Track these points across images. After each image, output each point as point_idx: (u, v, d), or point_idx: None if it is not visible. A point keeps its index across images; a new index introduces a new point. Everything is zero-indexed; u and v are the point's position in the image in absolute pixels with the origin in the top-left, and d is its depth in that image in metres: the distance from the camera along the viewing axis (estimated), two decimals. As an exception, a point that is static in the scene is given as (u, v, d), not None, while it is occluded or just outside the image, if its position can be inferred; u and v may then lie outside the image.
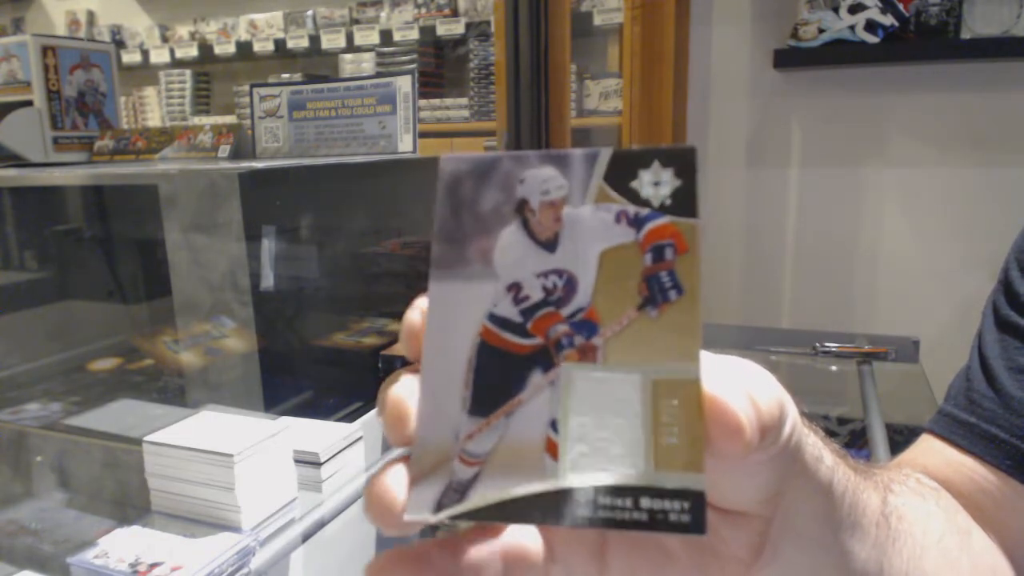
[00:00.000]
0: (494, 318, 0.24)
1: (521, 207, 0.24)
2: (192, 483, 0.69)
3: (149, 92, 3.61)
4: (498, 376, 0.24)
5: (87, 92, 1.31)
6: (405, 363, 0.25)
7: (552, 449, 0.23)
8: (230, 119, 3.37)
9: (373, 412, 1.00)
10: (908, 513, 0.37)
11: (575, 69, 2.51)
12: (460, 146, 2.67)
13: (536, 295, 0.24)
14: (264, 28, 3.26)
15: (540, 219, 0.24)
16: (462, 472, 0.23)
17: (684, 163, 0.23)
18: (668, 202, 0.23)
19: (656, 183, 0.23)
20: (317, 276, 0.96)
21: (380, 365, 1.03)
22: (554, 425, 0.23)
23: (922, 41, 2.01)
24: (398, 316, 1.14)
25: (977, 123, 2.07)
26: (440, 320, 0.24)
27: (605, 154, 0.24)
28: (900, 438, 1.06)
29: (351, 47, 3.10)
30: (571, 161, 0.24)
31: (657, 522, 0.22)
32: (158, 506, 0.72)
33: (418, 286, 0.25)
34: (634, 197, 0.23)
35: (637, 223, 0.23)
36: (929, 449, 0.51)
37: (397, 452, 0.24)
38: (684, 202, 0.23)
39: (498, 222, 0.24)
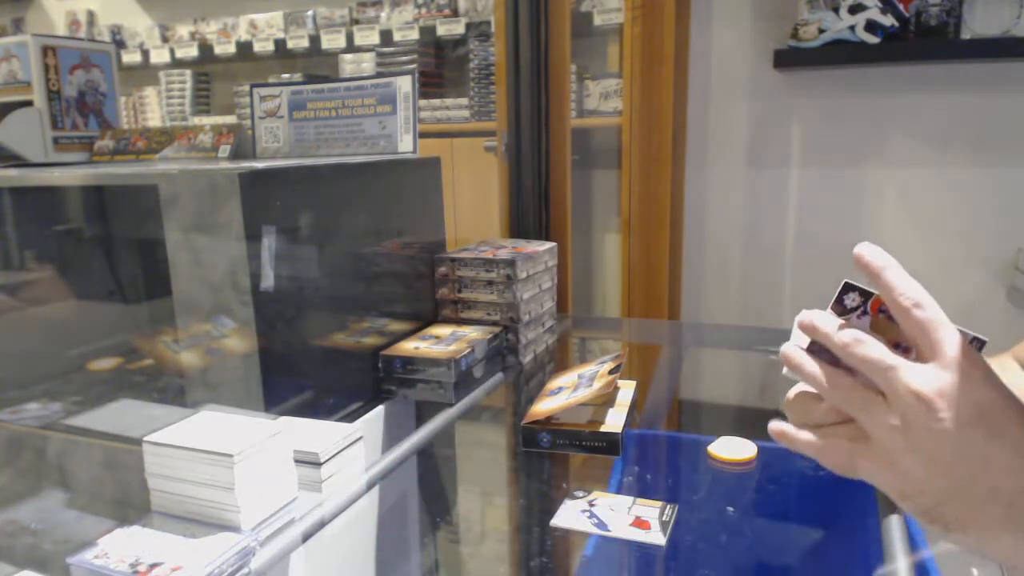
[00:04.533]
0: None
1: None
2: (192, 483, 0.69)
3: (149, 92, 3.61)
4: None
5: (87, 92, 1.31)
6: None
7: None
8: (230, 119, 3.38)
9: (373, 412, 1.00)
10: None
11: (575, 69, 2.51)
12: (460, 146, 2.67)
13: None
14: (264, 28, 3.26)
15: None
16: None
17: (863, 291, 0.53)
18: (858, 305, 0.54)
19: (854, 300, 0.54)
20: (317, 276, 0.96)
21: (380, 365, 1.03)
22: None
23: (922, 41, 2.01)
24: (398, 316, 1.14)
25: (977, 123, 2.07)
26: None
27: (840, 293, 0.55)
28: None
29: (351, 47, 3.10)
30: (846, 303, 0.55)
31: None
32: (158, 506, 0.72)
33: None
34: (844, 309, 0.54)
35: (863, 314, 0.54)
36: None
37: None
38: (866, 298, 0.54)
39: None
